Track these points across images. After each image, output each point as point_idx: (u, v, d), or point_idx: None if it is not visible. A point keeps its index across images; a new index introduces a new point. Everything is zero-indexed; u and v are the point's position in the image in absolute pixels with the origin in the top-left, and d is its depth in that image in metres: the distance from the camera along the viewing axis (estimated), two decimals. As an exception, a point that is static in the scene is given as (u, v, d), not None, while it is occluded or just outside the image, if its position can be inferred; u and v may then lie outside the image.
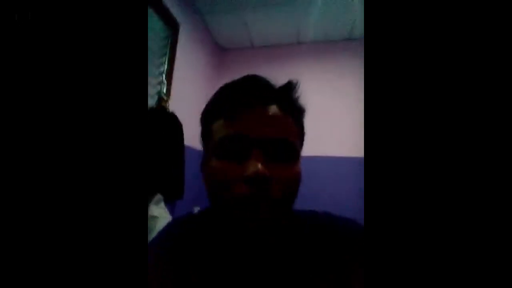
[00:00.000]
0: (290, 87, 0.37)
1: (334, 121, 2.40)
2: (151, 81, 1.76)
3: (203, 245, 0.39)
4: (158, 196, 1.48)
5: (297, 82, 0.38)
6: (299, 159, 0.36)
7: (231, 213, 0.33)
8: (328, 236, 0.39)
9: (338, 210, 0.45)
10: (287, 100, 0.37)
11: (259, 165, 0.31)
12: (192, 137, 1.88)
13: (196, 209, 2.16)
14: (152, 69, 1.78)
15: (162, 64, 1.90)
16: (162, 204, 1.50)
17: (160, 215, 1.43)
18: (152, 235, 1.35)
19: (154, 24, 1.79)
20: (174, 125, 1.75)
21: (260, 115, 0.34)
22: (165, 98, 1.73)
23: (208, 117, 0.38)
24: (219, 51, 2.79)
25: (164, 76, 1.90)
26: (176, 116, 1.76)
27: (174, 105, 1.86)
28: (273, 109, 0.35)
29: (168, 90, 1.91)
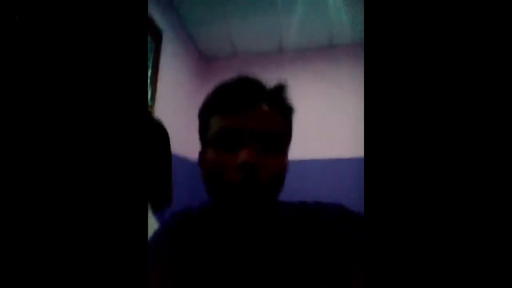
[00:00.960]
0: (279, 88, 0.42)
1: (319, 124, 2.46)
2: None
3: (201, 240, 0.41)
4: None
5: (285, 84, 0.42)
6: (286, 152, 0.41)
7: (225, 199, 0.37)
8: (318, 226, 0.42)
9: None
10: (277, 99, 0.41)
11: (250, 154, 0.35)
12: (178, 144, 1.85)
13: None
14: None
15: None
16: (149, 213, 1.45)
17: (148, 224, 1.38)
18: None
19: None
20: (159, 132, 1.72)
21: (252, 111, 0.38)
22: (149, 106, 1.70)
23: (205, 113, 0.42)
24: (203, 59, 2.80)
25: (148, 83, 1.88)
26: (161, 123, 1.73)
27: (158, 112, 1.83)
28: (264, 106, 0.39)
29: (153, 97, 1.89)
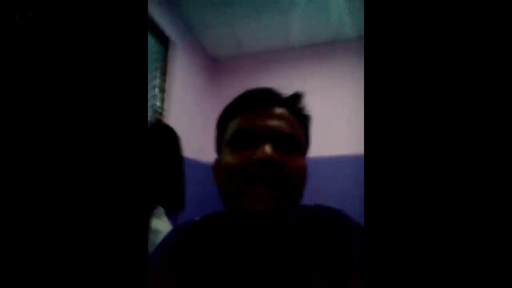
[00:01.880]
0: (296, 96, 0.42)
1: (326, 122, 2.42)
2: (145, 94, 1.76)
3: (205, 253, 0.40)
4: (160, 209, 1.46)
5: (302, 93, 0.43)
6: (304, 156, 0.40)
7: (242, 202, 0.34)
8: (317, 229, 0.41)
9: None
10: (294, 106, 0.41)
11: (269, 150, 0.34)
12: (190, 148, 1.87)
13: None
14: (145, 83, 1.78)
15: (155, 78, 1.90)
16: (164, 217, 1.47)
17: (162, 228, 1.40)
18: (154, 247, 1.32)
19: (145, 39, 1.81)
20: (171, 136, 1.74)
21: (270, 114, 0.38)
22: (159, 111, 1.72)
23: (223, 119, 0.42)
24: (211, 61, 2.81)
25: (157, 89, 1.90)
26: (172, 128, 1.76)
27: (169, 117, 1.85)
28: (282, 110, 0.39)
29: (162, 102, 1.91)
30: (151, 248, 1.45)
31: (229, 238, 0.40)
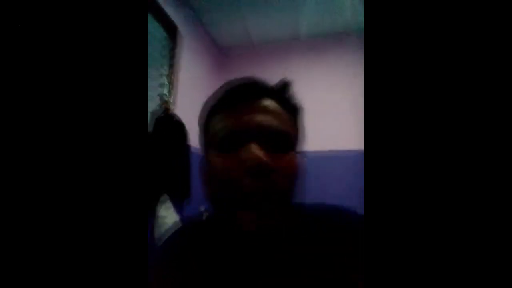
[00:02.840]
0: (283, 85, 0.39)
1: (333, 115, 2.39)
2: (152, 83, 1.77)
3: (209, 253, 0.39)
4: (165, 197, 1.49)
5: (290, 81, 0.39)
6: (296, 151, 0.37)
7: (233, 215, 0.33)
8: (335, 233, 0.38)
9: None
10: (281, 96, 0.38)
11: (259, 152, 0.31)
12: (196, 137, 1.88)
13: (203, 208, 2.17)
14: (152, 72, 1.79)
15: (163, 66, 1.91)
16: (169, 204, 1.51)
17: (167, 215, 1.44)
18: (159, 234, 1.36)
19: (152, 28, 1.80)
20: (177, 126, 1.76)
21: (256, 108, 0.35)
22: (167, 99, 1.74)
23: (206, 116, 0.39)
24: (219, 50, 2.79)
25: (165, 78, 1.91)
26: (179, 117, 1.77)
27: (177, 106, 1.86)
28: (268, 101, 0.36)
29: (170, 91, 1.92)
30: (157, 232, 1.49)
31: (229, 238, 0.38)
